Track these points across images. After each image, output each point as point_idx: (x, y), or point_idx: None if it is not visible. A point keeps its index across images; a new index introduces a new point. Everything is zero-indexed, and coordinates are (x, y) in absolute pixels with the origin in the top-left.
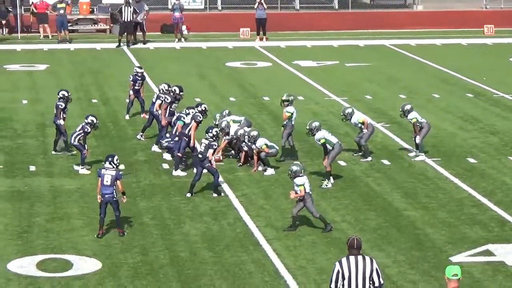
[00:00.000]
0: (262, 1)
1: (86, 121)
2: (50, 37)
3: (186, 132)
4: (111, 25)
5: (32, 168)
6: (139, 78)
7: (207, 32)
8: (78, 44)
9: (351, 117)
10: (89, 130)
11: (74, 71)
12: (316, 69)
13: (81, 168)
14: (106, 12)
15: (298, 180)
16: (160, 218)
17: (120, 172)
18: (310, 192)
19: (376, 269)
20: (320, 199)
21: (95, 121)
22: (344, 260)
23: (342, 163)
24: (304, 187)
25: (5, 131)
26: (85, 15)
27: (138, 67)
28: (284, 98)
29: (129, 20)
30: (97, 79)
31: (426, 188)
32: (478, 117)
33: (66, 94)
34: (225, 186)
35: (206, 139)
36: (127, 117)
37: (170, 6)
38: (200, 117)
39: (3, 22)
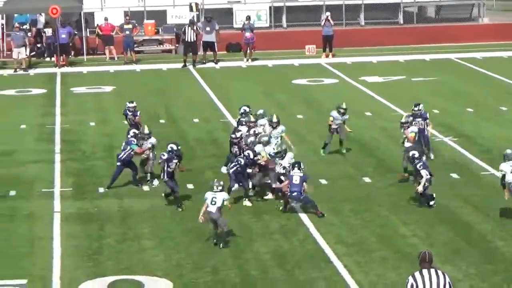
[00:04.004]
0: (329, 18)
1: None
2: (116, 58)
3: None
4: (177, 45)
5: (101, 190)
6: (130, 113)
7: (272, 50)
8: (144, 65)
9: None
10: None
11: (141, 92)
12: (382, 85)
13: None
14: (171, 33)
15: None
16: (230, 237)
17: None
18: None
19: (449, 283)
20: (389, 214)
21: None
22: (417, 274)
23: (411, 177)
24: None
25: (73, 153)
26: (150, 36)
27: (130, 102)
28: (403, 120)
29: (192, 40)
30: (164, 99)
31: (496, 201)
32: None
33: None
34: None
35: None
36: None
37: (235, 25)
38: None
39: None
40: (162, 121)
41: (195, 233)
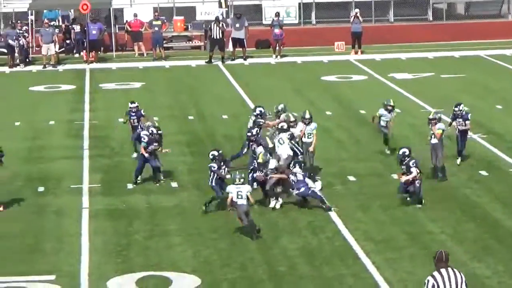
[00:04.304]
0: (358, 15)
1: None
2: (145, 55)
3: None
4: (205, 41)
5: (129, 186)
6: (133, 114)
7: (301, 47)
8: (173, 62)
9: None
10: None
11: (170, 89)
12: (411, 82)
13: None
14: (200, 29)
15: None
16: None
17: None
18: None
19: (465, 281)
20: (418, 211)
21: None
22: (436, 274)
23: (439, 174)
24: None
25: (102, 150)
26: (179, 32)
27: (131, 102)
28: (431, 116)
29: (218, 37)
30: (193, 96)
31: None
32: None
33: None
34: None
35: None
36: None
37: (264, 22)
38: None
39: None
40: (190, 117)
41: (223, 230)
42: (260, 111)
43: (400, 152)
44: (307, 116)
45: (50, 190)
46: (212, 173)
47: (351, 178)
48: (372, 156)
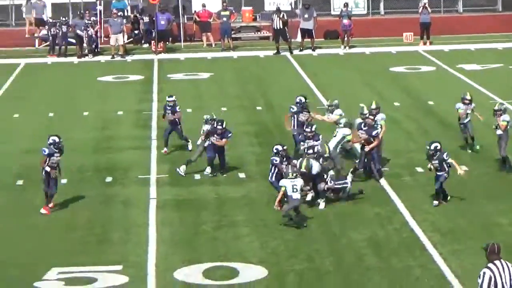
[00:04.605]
0: (427, 5)
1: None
2: (213, 45)
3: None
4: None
5: (197, 176)
6: (169, 108)
7: (370, 37)
8: (241, 52)
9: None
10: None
11: (238, 79)
12: (480, 73)
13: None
14: (269, 19)
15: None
16: (325, 224)
17: None
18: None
19: None
20: (486, 202)
21: None
22: (492, 266)
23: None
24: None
25: (170, 140)
26: (247, 23)
27: (169, 96)
28: (496, 108)
29: (279, 27)
30: (261, 86)
31: None
32: None
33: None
34: (390, 191)
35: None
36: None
37: (333, 12)
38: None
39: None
40: (259, 108)
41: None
42: (300, 100)
43: (432, 147)
44: (373, 106)
45: (118, 180)
46: (273, 167)
47: (419, 169)
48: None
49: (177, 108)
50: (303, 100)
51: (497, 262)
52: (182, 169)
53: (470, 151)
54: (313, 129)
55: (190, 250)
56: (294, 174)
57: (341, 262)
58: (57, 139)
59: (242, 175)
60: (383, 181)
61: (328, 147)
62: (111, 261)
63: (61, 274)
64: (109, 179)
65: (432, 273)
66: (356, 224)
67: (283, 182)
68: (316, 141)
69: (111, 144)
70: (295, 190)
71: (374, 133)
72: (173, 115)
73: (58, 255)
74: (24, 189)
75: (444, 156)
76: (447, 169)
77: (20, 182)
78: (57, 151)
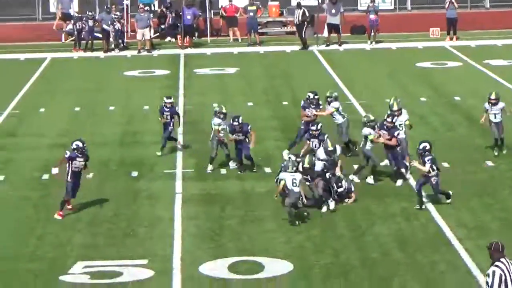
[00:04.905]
0: (453, 1)
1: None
2: (239, 40)
3: None
4: None
5: (223, 171)
6: (167, 110)
7: (397, 33)
8: (267, 47)
9: None
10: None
11: (264, 74)
12: (507, 68)
13: None
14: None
15: None
16: (351, 219)
17: None
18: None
19: None
20: (509, 198)
21: None
22: (500, 263)
23: None
24: None
25: (196, 134)
26: (274, 18)
27: (167, 97)
28: None
29: (298, 22)
30: (287, 81)
31: None
32: None
33: None
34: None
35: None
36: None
37: (359, 7)
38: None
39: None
40: (285, 103)
41: (315, 216)
42: (309, 96)
43: (421, 147)
44: (395, 108)
45: (143, 175)
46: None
47: (445, 164)
48: (466, 143)
49: (176, 108)
50: (311, 96)
51: (503, 260)
52: (209, 168)
53: (496, 153)
54: (318, 127)
55: (215, 244)
56: (294, 168)
57: (367, 257)
58: (80, 144)
59: (268, 170)
60: (408, 176)
61: (333, 144)
62: (137, 255)
63: (87, 268)
64: (134, 173)
65: (458, 269)
66: (382, 219)
67: (282, 175)
68: (322, 140)
69: (137, 139)
70: (294, 184)
71: (396, 133)
72: (172, 116)
73: (84, 249)
74: (50, 184)
75: (426, 159)
76: (436, 171)
77: (46, 176)
78: (80, 155)
